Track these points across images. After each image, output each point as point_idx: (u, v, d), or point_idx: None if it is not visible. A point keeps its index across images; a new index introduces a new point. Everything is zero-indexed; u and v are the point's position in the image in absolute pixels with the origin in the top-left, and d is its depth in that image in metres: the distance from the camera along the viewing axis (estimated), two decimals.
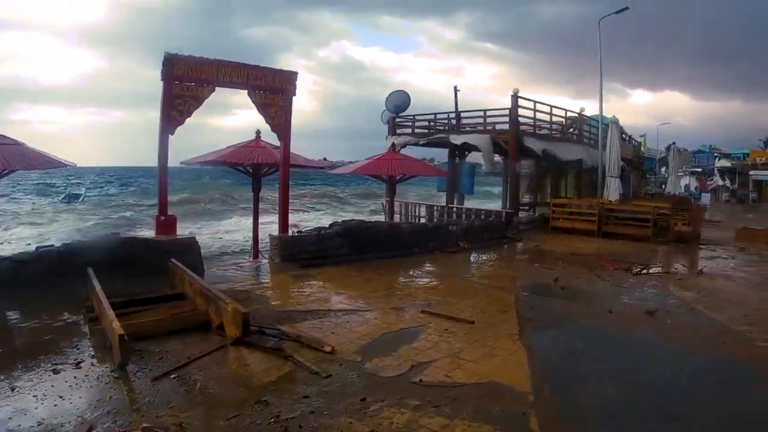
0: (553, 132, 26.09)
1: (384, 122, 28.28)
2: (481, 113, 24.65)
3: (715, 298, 10.50)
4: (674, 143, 33.77)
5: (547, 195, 26.42)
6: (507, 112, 23.04)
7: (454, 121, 25.73)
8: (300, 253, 13.39)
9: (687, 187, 63.54)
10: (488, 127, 24.04)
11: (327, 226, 15.27)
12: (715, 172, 73.64)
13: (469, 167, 25.29)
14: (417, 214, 24.46)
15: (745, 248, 18.09)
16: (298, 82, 13.98)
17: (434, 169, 23.37)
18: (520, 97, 22.97)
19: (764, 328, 8.38)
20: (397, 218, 23.01)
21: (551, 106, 25.11)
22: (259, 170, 15.48)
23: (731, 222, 28.62)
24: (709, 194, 57.35)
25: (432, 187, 35.00)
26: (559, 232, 20.71)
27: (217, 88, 12.79)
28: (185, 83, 12.33)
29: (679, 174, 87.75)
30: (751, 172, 61.88)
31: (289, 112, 13.91)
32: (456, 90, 26.74)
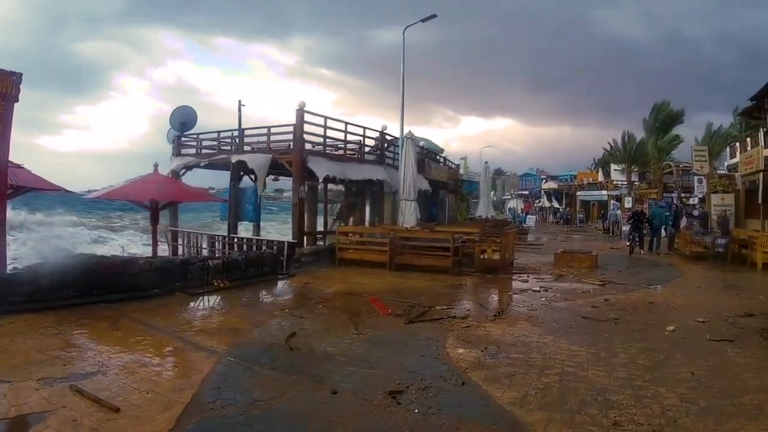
0: (349, 152, 23.34)
1: (169, 142, 25.05)
2: (265, 131, 21.54)
3: (505, 360, 7.57)
4: (486, 163, 31.75)
5: (361, 222, 24.45)
6: (291, 128, 19.96)
7: (237, 140, 22.58)
8: (7, 296, 10.27)
9: (513, 210, 63.52)
10: (273, 146, 21.03)
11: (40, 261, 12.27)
12: (542, 194, 74.74)
13: (252, 191, 21.89)
14: (198, 245, 21.56)
15: (564, 275, 16.45)
16: (22, 86, 11.28)
17: (202, 195, 19.71)
18: (308, 113, 19.93)
19: (567, 417, 5.53)
20: (180, 249, 21.65)
21: (346, 123, 22.19)
22: None
23: (554, 244, 27.87)
24: (534, 216, 56.85)
25: None
26: (349, 264, 17.76)
27: None
28: None
29: (506, 197, 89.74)
30: (578, 193, 63.57)
31: (8, 122, 11.13)
32: (240, 105, 23.63)
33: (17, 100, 11.36)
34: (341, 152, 22.51)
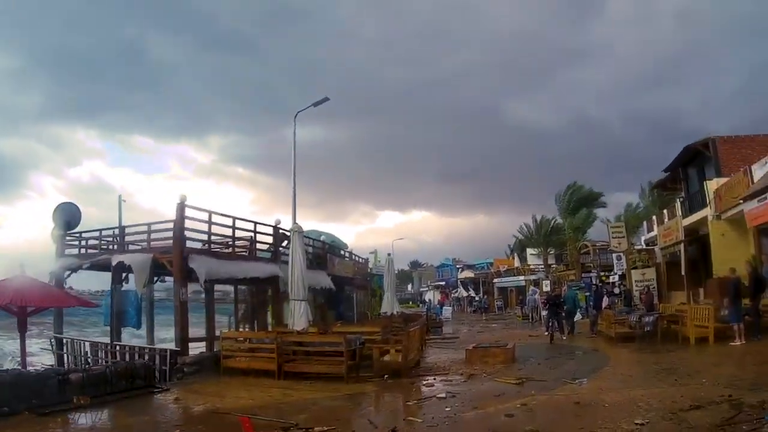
0: (240, 250, 21.68)
1: (54, 241, 22.66)
2: (146, 227, 19.57)
3: None
4: (389, 255, 29.72)
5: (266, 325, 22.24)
6: (171, 225, 18.22)
7: (118, 239, 20.72)
8: None
9: (429, 302, 61.98)
10: (154, 245, 19.09)
11: None
12: (458, 283, 73.59)
13: (134, 295, 19.79)
14: (83, 353, 19.68)
15: (476, 373, 14.70)
16: None
17: (69, 299, 17.56)
18: (191, 207, 18.25)
19: None
20: (66, 358, 19.87)
21: (234, 218, 20.58)
22: None
23: (470, 336, 26.87)
24: (450, 308, 54.69)
25: None
26: (234, 373, 15.82)
27: None
28: None
29: (423, 289, 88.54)
30: (495, 281, 63.35)
31: None
32: (121, 200, 21.67)
33: None
34: (230, 250, 20.75)
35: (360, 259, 37.15)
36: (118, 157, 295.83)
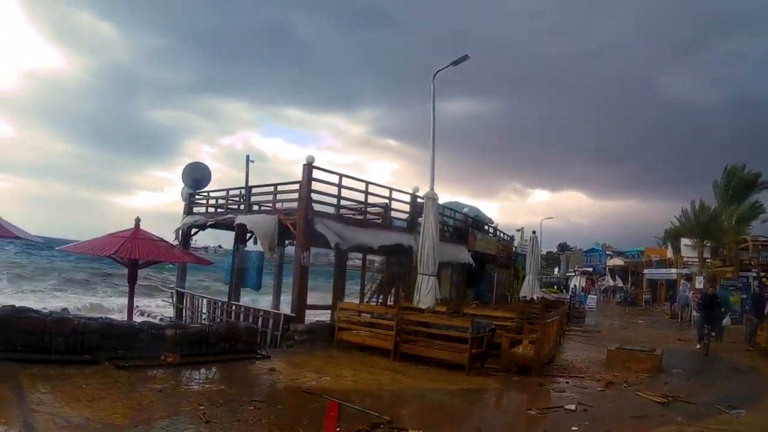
0: (373, 217, 20.12)
1: (183, 199, 22.89)
2: (272, 188, 18.73)
3: None
4: (534, 233, 26.86)
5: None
6: (297, 186, 17.07)
7: (245, 199, 19.94)
8: None
9: (575, 289, 58.55)
10: (280, 206, 18.23)
11: None
12: (606, 271, 69.73)
13: (257, 256, 19.21)
14: (199, 308, 20.16)
15: (615, 381, 12.41)
16: None
17: (185, 255, 17.01)
18: (318, 168, 17.01)
19: None
20: (184, 312, 20.72)
21: (367, 183, 19.05)
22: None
23: (613, 332, 24.27)
24: (595, 297, 50.30)
25: None
26: (348, 348, 14.58)
27: None
28: None
29: (570, 274, 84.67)
30: (645, 271, 57.82)
31: None
32: (248, 160, 20.80)
33: None
34: (361, 217, 19.40)
35: (505, 237, 35.10)
36: (271, 128, 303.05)
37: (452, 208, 25.90)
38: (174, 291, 22.48)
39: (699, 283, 37.16)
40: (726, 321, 22.63)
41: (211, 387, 9.93)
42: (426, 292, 14.67)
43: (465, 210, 27.84)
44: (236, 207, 20.47)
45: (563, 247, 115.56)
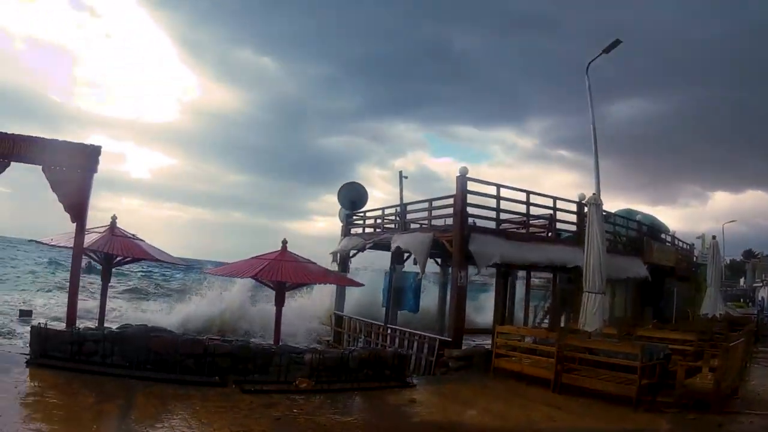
0: (534, 230, 18.80)
1: (341, 220, 22.85)
2: (426, 205, 18.03)
3: None
4: (714, 238, 23.82)
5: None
6: (451, 201, 16.23)
7: (399, 218, 19.48)
8: (51, 351, 10.76)
9: (762, 301, 53.21)
10: (435, 222, 17.46)
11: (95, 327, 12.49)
12: None
13: (412, 277, 18.44)
14: (356, 331, 19.96)
15: None
16: (101, 158, 12.87)
17: (331, 277, 16.37)
18: (472, 180, 16.13)
19: None
20: (342, 335, 20.68)
21: (528, 193, 17.78)
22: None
23: None
24: None
25: None
26: (506, 376, 13.41)
27: (13, 163, 12.22)
28: None
29: (757, 284, 76.91)
30: None
31: (87, 191, 12.73)
32: (401, 176, 20.13)
33: (96, 171, 12.79)
34: (523, 230, 18.17)
35: (684, 245, 32.19)
36: (441, 146, 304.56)
37: (625, 216, 24.09)
38: (333, 313, 22.19)
39: None
40: None
41: (334, 417, 9.36)
42: (592, 313, 13.30)
43: (638, 217, 25.87)
44: (392, 226, 19.91)
45: (749, 254, 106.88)
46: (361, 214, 22.20)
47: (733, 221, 75.29)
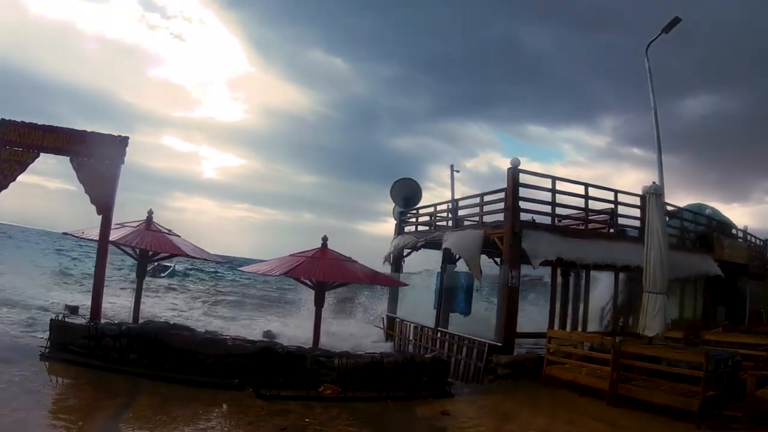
0: (595, 226, 17.68)
1: (395, 218, 22.00)
2: (477, 200, 16.96)
3: None
4: None
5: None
6: (502, 195, 15.15)
7: (451, 215, 18.44)
8: (70, 345, 11.05)
9: None
10: (487, 219, 16.39)
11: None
12: None
13: (464, 277, 17.33)
14: (407, 335, 18.84)
15: None
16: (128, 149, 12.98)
17: (377, 277, 15.35)
18: (525, 172, 15.16)
19: None
20: (396, 340, 19.57)
21: (586, 185, 16.61)
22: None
23: None
24: None
25: None
26: (559, 385, 12.21)
27: (42, 153, 12.65)
28: (14, 148, 12.45)
29: None
30: None
31: (114, 182, 12.86)
32: (453, 170, 19.20)
33: (123, 162, 12.92)
34: (582, 226, 17.11)
35: (757, 241, 29.35)
36: (513, 147, 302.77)
37: (693, 211, 22.68)
38: (384, 316, 21.41)
39: None
40: None
41: (347, 430, 8.65)
42: (653, 315, 12.10)
43: (707, 212, 24.40)
44: (444, 223, 18.96)
45: None
46: (414, 212, 21.35)
47: None
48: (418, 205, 21.57)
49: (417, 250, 20.47)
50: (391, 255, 20.68)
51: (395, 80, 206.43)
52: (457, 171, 19.63)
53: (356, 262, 13.99)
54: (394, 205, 21.86)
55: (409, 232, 20.99)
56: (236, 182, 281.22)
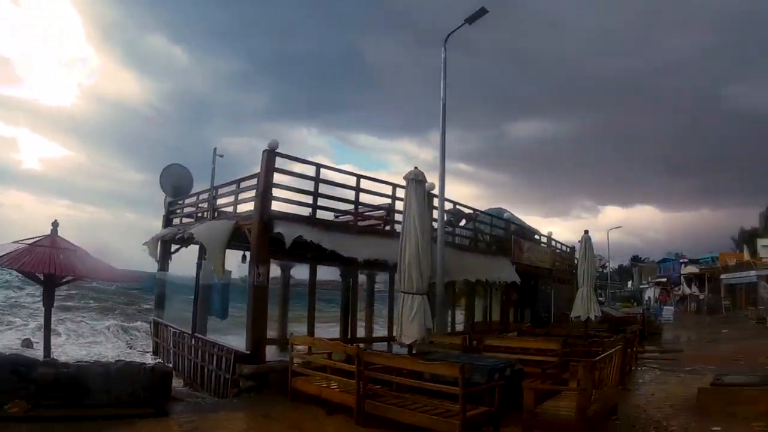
0: (372, 222, 16.04)
1: (166, 210, 19.44)
2: (233, 187, 14.66)
3: None
4: (586, 232, 20.20)
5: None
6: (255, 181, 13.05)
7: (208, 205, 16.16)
8: None
9: (648, 300, 54.57)
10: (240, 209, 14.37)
11: None
12: (682, 280, 65.96)
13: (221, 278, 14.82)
14: (168, 342, 16.49)
15: None
16: None
17: (109, 273, 12.24)
18: (283, 156, 13.05)
19: None
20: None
21: (358, 176, 14.88)
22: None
23: (698, 348, 20.23)
24: (672, 307, 47.82)
25: None
26: (306, 400, 10.10)
27: None
28: None
29: (644, 286, 79.73)
30: (722, 276, 54.89)
31: None
32: (215, 154, 16.59)
33: None
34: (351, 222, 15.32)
35: (563, 248, 30.38)
36: (341, 153, 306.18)
37: (491, 214, 22.03)
38: (151, 320, 19.19)
39: None
40: None
41: None
42: (409, 320, 10.10)
43: (506, 215, 23.56)
44: (201, 215, 16.57)
45: (635, 260, 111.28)
46: (181, 202, 18.91)
47: (618, 227, 78.62)
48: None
49: (186, 246, 17.62)
50: (149, 247, 17.82)
51: (234, 77, 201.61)
52: (221, 156, 16.78)
53: (89, 254, 11.41)
54: (164, 195, 19.09)
55: (175, 225, 18.46)
56: (60, 175, 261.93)
